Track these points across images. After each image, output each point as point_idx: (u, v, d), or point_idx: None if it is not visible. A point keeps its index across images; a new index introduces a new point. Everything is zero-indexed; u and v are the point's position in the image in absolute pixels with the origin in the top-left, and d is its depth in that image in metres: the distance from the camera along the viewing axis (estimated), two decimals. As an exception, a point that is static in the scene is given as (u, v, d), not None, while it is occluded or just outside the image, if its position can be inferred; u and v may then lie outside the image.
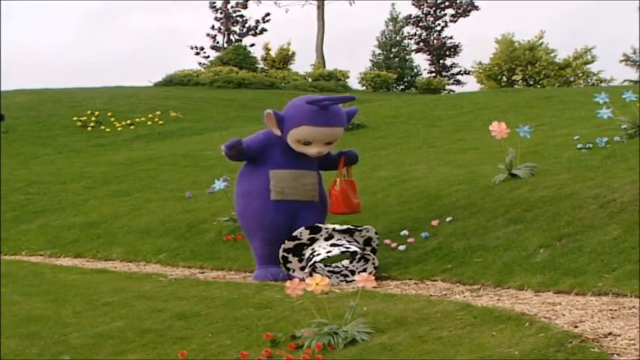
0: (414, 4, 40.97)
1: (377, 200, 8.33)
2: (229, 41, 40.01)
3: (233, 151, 6.69)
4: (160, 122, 18.91)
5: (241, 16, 40.69)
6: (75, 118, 18.93)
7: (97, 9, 72.99)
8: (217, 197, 9.21)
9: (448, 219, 7.04)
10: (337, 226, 6.51)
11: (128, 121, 18.75)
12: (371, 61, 39.81)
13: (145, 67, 63.81)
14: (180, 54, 72.84)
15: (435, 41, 40.94)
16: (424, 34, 41.18)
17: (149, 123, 18.83)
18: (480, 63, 37.90)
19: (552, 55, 36.67)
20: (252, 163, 6.83)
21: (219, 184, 8.41)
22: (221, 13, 40.69)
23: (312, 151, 6.64)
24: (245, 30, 40.60)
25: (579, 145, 9.11)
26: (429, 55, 41.09)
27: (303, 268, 6.40)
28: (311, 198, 6.75)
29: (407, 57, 39.67)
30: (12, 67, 59.85)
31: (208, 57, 39.19)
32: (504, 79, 36.76)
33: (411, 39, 40.87)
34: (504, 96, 18.40)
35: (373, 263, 6.29)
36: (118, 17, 71.44)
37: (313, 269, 6.21)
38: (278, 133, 6.70)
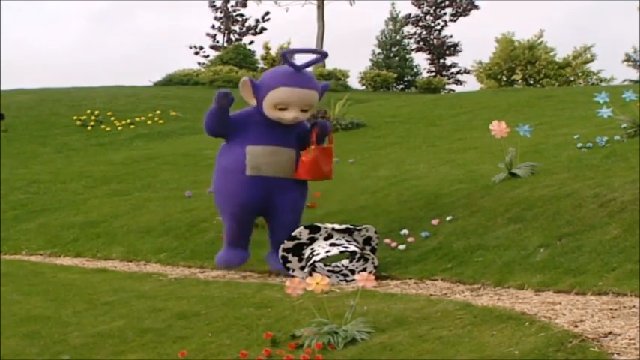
0: (414, 4, 40.94)
1: (377, 200, 8.34)
2: (229, 41, 39.99)
3: (224, 101, 6.71)
4: (160, 122, 18.91)
5: (241, 16, 40.68)
6: (75, 118, 18.93)
7: (97, 9, 73.04)
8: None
9: (448, 218, 7.04)
10: (337, 226, 6.51)
11: (128, 121, 18.74)
12: (371, 60, 39.79)
13: (144, 67, 63.76)
14: (179, 53, 72.88)
15: (435, 40, 40.92)
16: (424, 33, 41.16)
17: (149, 122, 18.83)
18: (480, 62, 37.90)
19: (552, 54, 36.66)
20: (230, 140, 6.89)
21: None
22: (221, 12, 40.67)
23: (288, 116, 6.71)
24: (245, 29, 40.58)
25: (579, 145, 9.11)
26: (429, 54, 41.07)
27: (302, 268, 6.40)
28: (287, 175, 6.81)
29: (407, 56, 39.62)
30: (13, 67, 59.85)
31: (208, 56, 39.18)
32: (504, 78, 36.75)
33: (410, 38, 40.85)
34: (504, 95, 18.40)
35: (373, 262, 6.29)
36: (118, 17, 71.44)
37: (313, 269, 6.21)
38: (253, 102, 6.80)
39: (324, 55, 7.41)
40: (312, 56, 7.14)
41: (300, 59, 6.97)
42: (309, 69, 7.15)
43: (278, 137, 6.77)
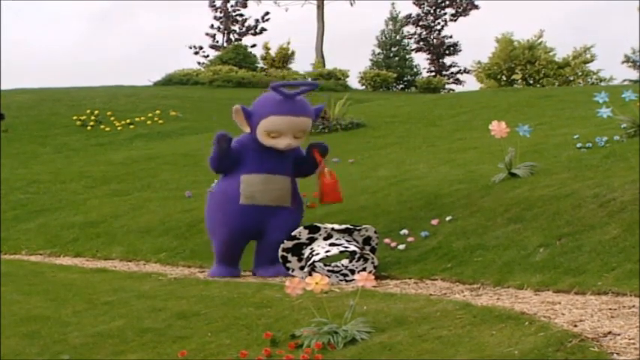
0: (414, 3, 40.94)
1: (377, 199, 8.34)
2: (229, 40, 39.98)
3: (223, 143, 6.75)
4: (160, 121, 18.90)
5: (241, 15, 40.67)
6: (75, 118, 18.92)
7: (97, 9, 73.04)
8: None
9: (448, 218, 7.04)
10: (336, 226, 6.51)
11: (128, 121, 18.74)
12: (371, 60, 39.80)
13: (144, 67, 63.76)
14: (179, 53, 72.84)
15: (435, 40, 40.92)
16: (424, 33, 41.16)
17: (149, 122, 18.82)
18: (479, 62, 37.89)
19: (551, 54, 36.66)
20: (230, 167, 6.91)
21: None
22: (221, 12, 40.66)
23: (281, 143, 6.71)
24: (245, 29, 40.58)
25: (579, 145, 9.11)
26: (428, 54, 41.07)
27: (302, 268, 6.40)
28: (281, 203, 6.79)
29: (407, 56, 39.63)
30: (13, 67, 59.87)
31: (207, 56, 39.18)
32: (504, 78, 36.75)
33: (410, 38, 40.86)
34: (504, 95, 18.41)
35: (372, 262, 6.29)
36: (118, 17, 71.43)
37: (312, 269, 6.21)
38: (247, 129, 6.81)
39: (314, 86, 7.33)
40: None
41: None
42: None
43: (273, 164, 6.78)
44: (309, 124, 6.89)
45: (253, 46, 36.79)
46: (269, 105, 6.75)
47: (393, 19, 40.58)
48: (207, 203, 7.09)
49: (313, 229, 6.45)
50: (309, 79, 30.41)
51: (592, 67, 37.34)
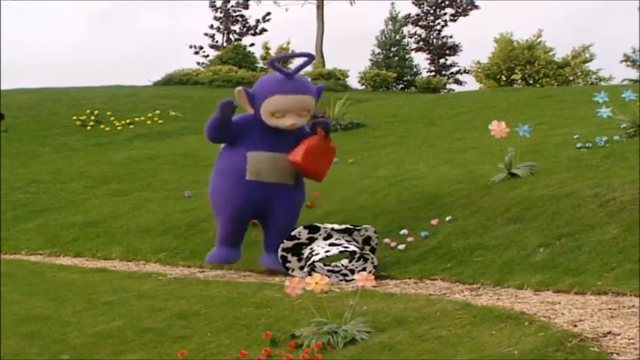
0: (414, 3, 40.92)
1: (377, 199, 8.34)
2: (229, 40, 39.98)
3: (227, 110, 6.75)
4: (160, 121, 18.89)
5: (241, 16, 40.67)
6: (74, 118, 18.91)
7: (97, 9, 73.01)
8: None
9: (448, 218, 7.04)
10: (336, 226, 6.51)
11: (128, 121, 18.73)
12: (370, 60, 39.77)
13: (144, 67, 63.72)
14: (179, 53, 72.78)
15: (435, 40, 40.92)
16: (424, 33, 41.16)
17: (149, 122, 18.81)
18: (478, 63, 37.87)
19: (551, 54, 36.65)
20: (231, 145, 6.94)
21: (218, 184, 8.41)
22: (221, 12, 40.66)
23: (287, 122, 6.76)
24: (245, 29, 40.57)
25: (579, 145, 9.11)
26: (428, 54, 41.06)
27: (302, 268, 6.40)
28: (285, 180, 6.85)
29: (406, 56, 39.61)
30: (13, 67, 59.88)
31: (207, 56, 39.17)
32: (503, 78, 36.74)
33: (410, 38, 40.85)
34: (504, 95, 18.40)
35: (372, 262, 6.29)
36: (118, 17, 71.39)
37: (312, 269, 6.21)
38: (251, 110, 6.84)
39: (310, 57, 7.28)
40: (300, 60, 7.17)
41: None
42: (302, 73, 7.18)
43: (278, 143, 6.82)
44: (313, 102, 6.93)
45: (252, 45, 36.81)
46: (272, 85, 6.79)
47: (393, 19, 40.56)
48: (212, 179, 7.11)
49: (313, 229, 6.45)
50: (309, 79, 30.44)
51: (591, 66, 37.35)
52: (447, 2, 40.50)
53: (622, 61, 36.02)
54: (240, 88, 6.87)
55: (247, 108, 6.87)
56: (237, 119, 6.92)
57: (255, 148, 6.81)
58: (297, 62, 7.32)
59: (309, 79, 7.14)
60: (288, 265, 6.50)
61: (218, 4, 40.69)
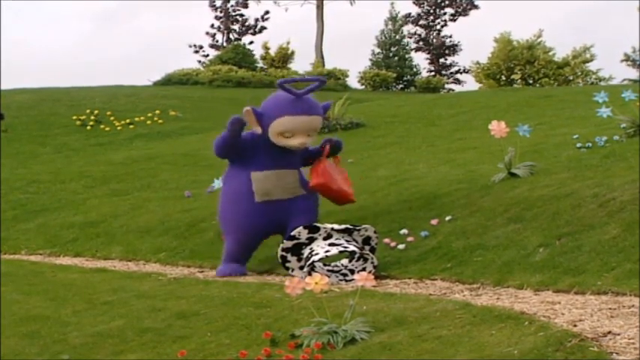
0: (414, 3, 40.96)
1: (376, 199, 8.34)
2: (229, 40, 39.98)
3: (237, 127, 6.76)
4: (160, 121, 18.91)
5: (241, 15, 40.67)
6: (74, 117, 18.92)
7: (97, 9, 73.04)
8: (217, 196, 9.18)
9: (447, 218, 7.04)
10: (336, 226, 6.51)
11: (127, 120, 18.74)
12: (370, 60, 39.80)
13: (144, 67, 63.77)
14: (179, 53, 72.83)
15: (435, 40, 40.91)
16: (424, 33, 41.16)
17: (148, 122, 18.82)
18: (478, 63, 37.88)
19: (551, 53, 36.66)
20: (235, 164, 6.94)
21: (218, 183, 8.43)
22: (221, 11, 40.66)
23: (295, 142, 6.76)
24: (244, 29, 40.57)
25: (579, 144, 9.11)
26: (428, 54, 41.07)
27: (302, 268, 6.40)
28: (295, 193, 6.91)
29: (406, 56, 39.63)
30: (13, 67, 59.92)
31: (207, 56, 39.18)
32: (503, 78, 36.75)
33: (410, 37, 40.85)
34: (504, 95, 18.41)
35: (372, 262, 6.29)
36: (118, 17, 71.42)
37: (312, 269, 6.21)
38: (259, 130, 6.81)
39: (321, 82, 7.20)
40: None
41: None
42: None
43: (283, 160, 6.84)
44: (320, 122, 6.98)
45: (251, 42, 36.80)
46: (282, 106, 6.76)
47: (393, 18, 40.57)
48: (220, 202, 7.12)
49: (313, 229, 6.45)
50: (316, 100, 30.45)
51: (591, 66, 37.35)
52: (446, 2, 40.53)
53: (622, 61, 36.07)
54: (248, 107, 6.83)
55: (255, 127, 6.84)
56: (245, 136, 6.90)
57: (258, 168, 6.81)
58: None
59: (315, 99, 7.07)
60: (287, 265, 6.50)
61: (218, 3, 40.72)
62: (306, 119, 6.75)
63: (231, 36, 40.37)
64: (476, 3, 40.50)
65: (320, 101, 7.14)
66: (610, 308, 4.56)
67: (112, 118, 18.96)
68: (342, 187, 7.01)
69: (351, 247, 6.29)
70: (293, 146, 6.77)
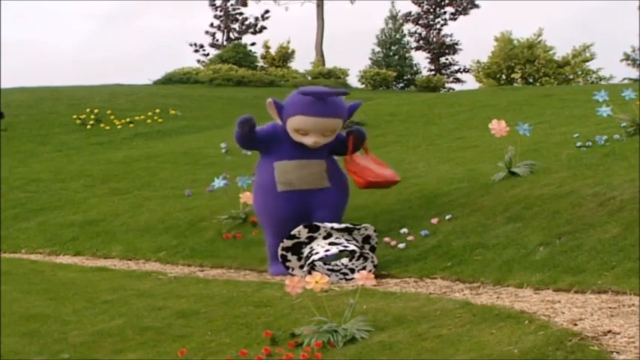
0: (414, 2, 40.92)
1: (376, 198, 8.33)
2: (229, 39, 39.97)
3: (245, 128, 6.79)
4: (160, 120, 18.90)
5: (241, 14, 40.66)
6: (74, 116, 18.91)
7: (97, 9, 73.09)
8: (217, 195, 9.21)
9: (447, 217, 7.04)
10: (336, 225, 6.51)
11: (127, 119, 18.74)
12: (370, 59, 39.78)
13: (143, 66, 63.77)
14: (179, 52, 72.86)
15: (435, 39, 40.91)
16: (424, 32, 41.15)
17: (148, 121, 18.82)
18: (478, 62, 37.86)
19: (551, 52, 36.65)
20: (263, 155, 6.98)
21: (218, 182, 8.43)
22: (221, 10, 40.65)
23: (309, 141, 6.77)
24: (244, 28, 40.56)
25: (579, 143, 9.11)
26: (428, 53, 41.06)
27: (302, 267, 6.40)
28: (319, 185, 6.87)
29: (406, 55, 39.62)
30: (12, 67, 59.97)
31: (208, 55, 39.18)
32: (503, 77, 36.74)
33: (410, 36, 40.85)
34: (504, 94, 18.40)
35: (372, 261, 6.29)
36: (118, 18, 71.41)
37: (312, 268, 6.21)
38: (279, 121, 6.86)
39: (344, 93, 7.15)
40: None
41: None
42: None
43: (307, 151, 6.82)
44: (339, 124, 6.90)
45: (253, 44, 36.81)
46: (296, 105, 6.76)
47: (393, 17, 40.56)
48: (253, 194, 7.16)
49: (313, 228, 6.45)
50: (309, 78, 30.45)
51: (591, 65, 37.34)
52: (447, 1, 40.49)
53: (622, 60, 36.03)
54: (270, 99, 6.86)
55: (276, 119, 6.89)
56: (269, 128, 6.94)
57: (283, 157, 6.82)
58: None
59: (342, 100, 7.02)
60: (287, 264, 6.50)
61: (218, 2, 40.70)
62: (320, 121, 6.72)
63: (231, 35, 40.36)
64: (476, 2, 40.47)
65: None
66: (610, 307, 4.56)
67: (112, 117, 18.95)
68: (382, 174, 7.02)
69: (351, 247, 6.29)
70: (307, 144, 6.76)
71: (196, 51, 40.34)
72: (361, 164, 7.04)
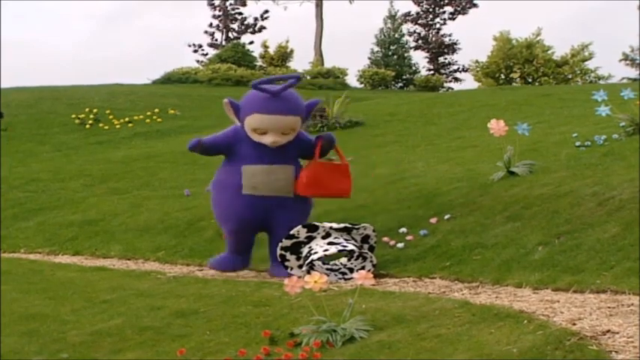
0: (413, 2, 40.90)
1: (376, 198, 8.34)
2: (228, 39, 39.96)
3: (196, 151, 6.82)
4: (159, 120, 18.90)
5: (240, 14, 40.65)
6: (73, 116, 18.91)
7: (97, 10, 73.09)
8: (216, 195, 9.20)
9: (446, 217, 7.04)
10: (334, 225, 6.51)
11: (126, 119, 18.73)
12: (369, 58, 39.77)
13: (143, 66, 63.75)
14: (178, 52, 72.84)
15: (434, 39, 40.90)
16: (423, 31, 41.14)
17: (147, 121, 18.81)
18: (477, 62, 37.85)
19: (550, 52, 36.64)
20: (229, 158, 6.87)
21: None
22: (219, 10, 40.64)
23: (267, 140, 6.63)
24: (243, 27, 40.55)
25: (578, 143, 9.11)
26: (427, 52, 41.05)
27: (300, 267, 6.40)
28: (286, 193, 6.73)
29: (405, 54, 39.60)
30: (12, 67, 59.97)
31: (207, 54, 39.17)
32: (502, 76, 36.74)
33: (409, 36, 40.84)
34: (503, 94, 18.41)
35: (371, 261, 6.29)
36: (118, 17, 71.39)
37: (311, 267, 6.21)
38: (237, 122, 6.75)
39: (297, 79, 6.91)
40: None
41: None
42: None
43: (275, 155, 6.67)
44: (298, 121, 6.70)
45: (251, 43, 36.80)
46: (254, 102, 6.63)
47: (392, 17, 40.54)
48: (212, 192, 7.08)
49: (311, 228, 6.45)
50: (308, 77, 30.44)
51: (590, 65, 37.33)
52: (446, 0, 40.48)
53: (621, 60, 36.04)
54: (226, 100, 6.71)
55: (234, 120, 6.77)
56: (229, 132, 6.84)
57: (250, 162, 6.70)
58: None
59: (299, 97, 6.89)
60: (286, 264, 6.50)
61: (216, 2, 40.68)
62: (277, 119, 6.56)
63: (230, 35, 40.35)
64: (475, 2, 40.46)
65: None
66: (609, 307, 4.57)
67: (111, 116, 18.95)
68: (329, 189, 6.82)
69: (350, 246, 6.29)
70: (266, 143, 6.62)
71: (195, 51, 40.34)
72: (316, 174, 6.78)
